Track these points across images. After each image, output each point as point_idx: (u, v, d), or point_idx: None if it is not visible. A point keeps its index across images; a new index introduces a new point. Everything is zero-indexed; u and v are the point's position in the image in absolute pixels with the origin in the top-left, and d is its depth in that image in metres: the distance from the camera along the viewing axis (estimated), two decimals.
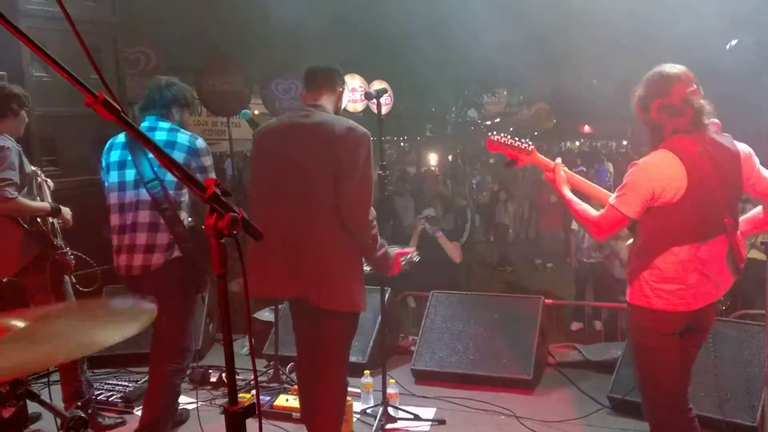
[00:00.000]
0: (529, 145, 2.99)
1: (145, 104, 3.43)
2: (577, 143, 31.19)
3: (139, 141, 1.51)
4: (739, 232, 2.71)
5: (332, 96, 3.14)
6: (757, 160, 2.72)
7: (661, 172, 2.53)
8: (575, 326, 8.13)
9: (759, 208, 2.82)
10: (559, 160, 2.99)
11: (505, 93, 18.30)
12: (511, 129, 25.41)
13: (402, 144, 21.11)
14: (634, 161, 2.66)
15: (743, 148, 2.69)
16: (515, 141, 3.00)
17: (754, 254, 5.96)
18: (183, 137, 3.31)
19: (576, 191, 2.96)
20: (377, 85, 12.99)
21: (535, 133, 24.34)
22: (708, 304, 2.67)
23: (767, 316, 3.45)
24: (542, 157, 3.00)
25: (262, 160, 3.12)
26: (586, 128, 28.43)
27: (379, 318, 4.62)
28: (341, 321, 3.00)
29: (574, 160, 19.31)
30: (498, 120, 20.12)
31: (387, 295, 4.98)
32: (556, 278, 9.13)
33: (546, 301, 4.82)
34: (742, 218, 2.81)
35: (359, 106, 12.57)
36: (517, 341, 4.52)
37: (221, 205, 1.65)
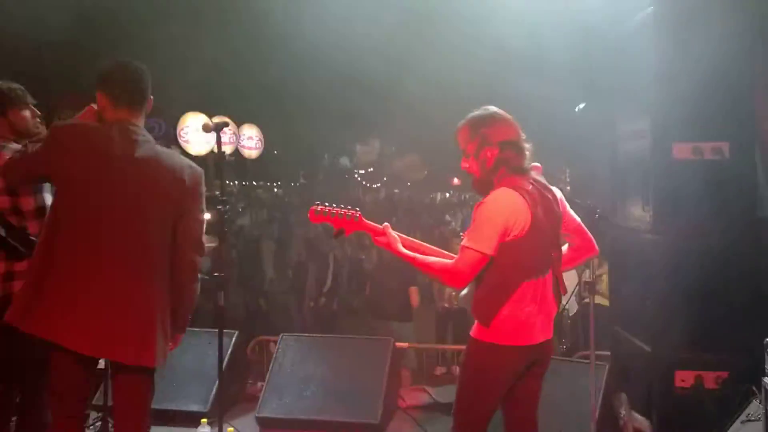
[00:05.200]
0: (356, 213, 2.89)
1: None
2: (447, 194, 32.49)
3: None
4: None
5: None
6: (566, 202, 2.91)
7: (510, 205, 2.60)
8: (438, 371, 8.26)
9: (566, 246, 2.98)
10: (387, 224, 2.90)
11: (377, 143, 18.75)
12: (385, 179, 26.17)
13: (275, 189, 20.99)
14: (479, 202, 2.68)
15: (557, 190, 2.88)
16: (340, 210, 2.89)
17: (599, 299, 6.42)
18: None
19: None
20: (247, 129, 12.86)
21: (408, 184, 25.09)
22: (548, 338, 2.79)
23: (591, 355, 3.67)
24: (370, 222, 2.91)
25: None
26: (456, 180, 29.73)
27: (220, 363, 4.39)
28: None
29: (445, 210, 20.08)
30: (371, 169, 20.53)
31: (234, 339, 4.81)
32: (425, 322, 9.26)
33: (397, 344, 4.85)
34: None
35: (227, 149, 12.32)
36: (366, 384, 4.47)
37: None
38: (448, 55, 10.72)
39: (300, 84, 12.15)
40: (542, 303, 2.71)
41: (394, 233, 2.85)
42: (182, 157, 2.79)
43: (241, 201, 14.68)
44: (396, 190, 18.42)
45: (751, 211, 4.00)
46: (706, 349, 3.82)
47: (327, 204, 2.88)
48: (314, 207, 2.88)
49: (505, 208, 2.59)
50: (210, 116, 11.90)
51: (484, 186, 2.74)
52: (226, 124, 3.89)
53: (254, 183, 16.54)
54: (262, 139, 13.24)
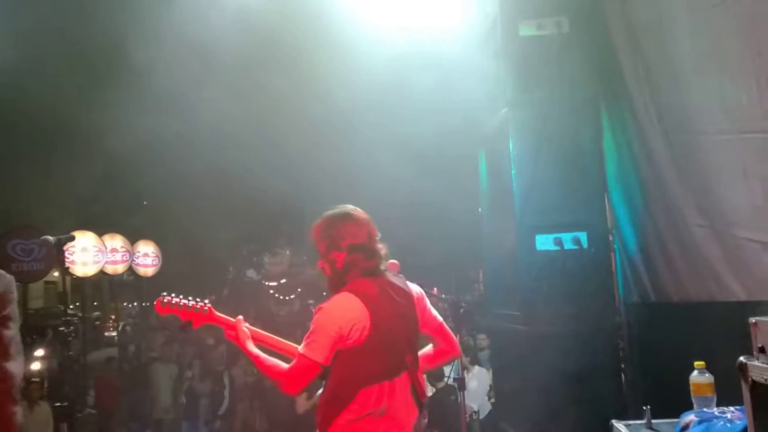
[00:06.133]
0: (204, 305, 2.86)
1: None
2: None
3: None
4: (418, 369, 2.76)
5: None
6: (427, 301, 2.86)
7: (345, 313, 2.54)
8: None
9: (430, 346, 2.92)
10: (240, 317, 2.87)
11: (287, 253, 18.44)
12: (299, 289, 25.67)
13: None
14: (318, 306, 2.64)
15: (416, 288, 2.82)
16: (189, 301, 2.86)
17: None
18: None
19: (264, 348, 2.83)
20: (142, 246, 12.45)
21: (324, 293, 24.62)
22: None
23: None
24: (221, 315, 2.86)
25: None
26: None
27: None
28: None
29: None
30: (284, 281, 20.08)
31: None
32: None
33: None
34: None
35: (120, 268, 11.79)
36: None
37: None
38: (348, 158, 10.97)
39: (198, 197, 12.02)
40: (390, 409, 2.59)
41: (246, 328, 2.79)
42: None
43: (140, 323, 13.95)
44: (311, 301, 18.02)
45: (611, 295, 4.16)
46: None
47: (175, 295, 2.83)
48: (161, 298, 2.83)
49: (340, 317, 2.54)
50: (100, 235, 11.46)
51: (335, 286, 2.69)
52: (72, 238, 3.73)
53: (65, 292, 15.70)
54: (159, 256, 12.79)
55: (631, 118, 4.07)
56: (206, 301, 2.90)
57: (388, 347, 2.61)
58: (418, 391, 2.70)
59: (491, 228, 5.00)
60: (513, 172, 4.32)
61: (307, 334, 2.58)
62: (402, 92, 6.44)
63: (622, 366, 4.16)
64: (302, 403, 6.23)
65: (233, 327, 2.81)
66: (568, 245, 4.19)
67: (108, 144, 9.92)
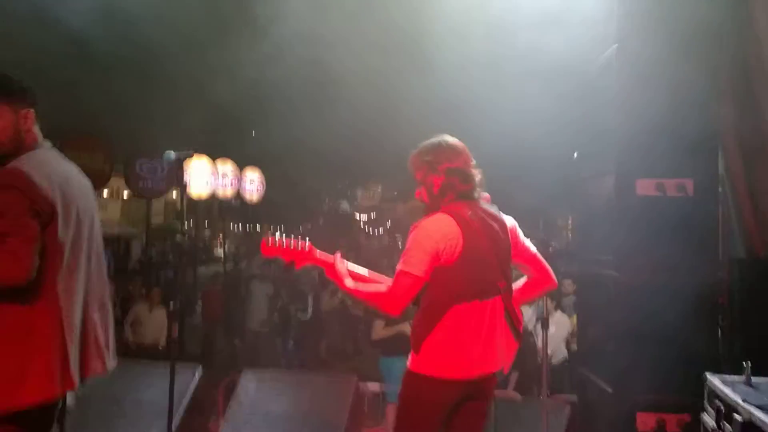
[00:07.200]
0: (305, 244, 2.91)
1: None
2: None
3: None
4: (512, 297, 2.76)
5: None
6: (521, 232, 2.86)
7: (440, 229, 2.60)
8: None
9: (524, 278, 2.92)
10: (338, 254, 2.90)
11: (379, 188, 18.70)
12: (388, 224, 26.17)
13: (278, 234, 20.87)
14: (414, 224, 2.67)
15: (509, 219, 2.84)
16: (291, 242, 2.90)
17: None
18: None
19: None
20: (249, 172, 13.00)
21: None
22: (489, 373, 2.67)
23: (544, 398, 3.54)
24: (322, 254, 2.90)
25: None
26: None
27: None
28: None
29: None
30: (374, 214, 20.47)
31: (197, 374, 4.72)
32: None
33: (362, 383, 4.77)
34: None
35: (229, 192, 12.43)
36: (327, 423, 4.37)
37: None
38: (442, 96, 10.85)
39: (299, 130, 12.35)
40: (486, 333, 2.61)
41: (343, 266, 2.83)
42: None
43: (244, 244, 14.76)
44: (398, 236, 18.25)
45: (714, 249, 3.92)
46: (669, 391, 3.67)
47: (280, 236, 2.89)
48: (265, 239, 2.89)
49: (435, 233, 2.60)
50: (213, 159, 12.10)
51: (432, 212, 2.73)
52: (189, 155, 3.79)
53: (257, 227, 16.64)
54: (263, 183, 13.33)
55: (752, 55, 3.71)
56: (303, 236, 2.93)
57: (479, 267, 2.63)
58: (513, 319, 2.71)
59: (587, 172, 4.78)
60: (615, 111, 4.08)
61: (404, 251, 2.63)
62: (504, 32, 6.19)
63: (720, 323, 3.94)
64: (379, 331, 6.27)
65: (332, 266, 2.84)
66: (672, 192, 3.94)
67: (223, 80, 10.44)
